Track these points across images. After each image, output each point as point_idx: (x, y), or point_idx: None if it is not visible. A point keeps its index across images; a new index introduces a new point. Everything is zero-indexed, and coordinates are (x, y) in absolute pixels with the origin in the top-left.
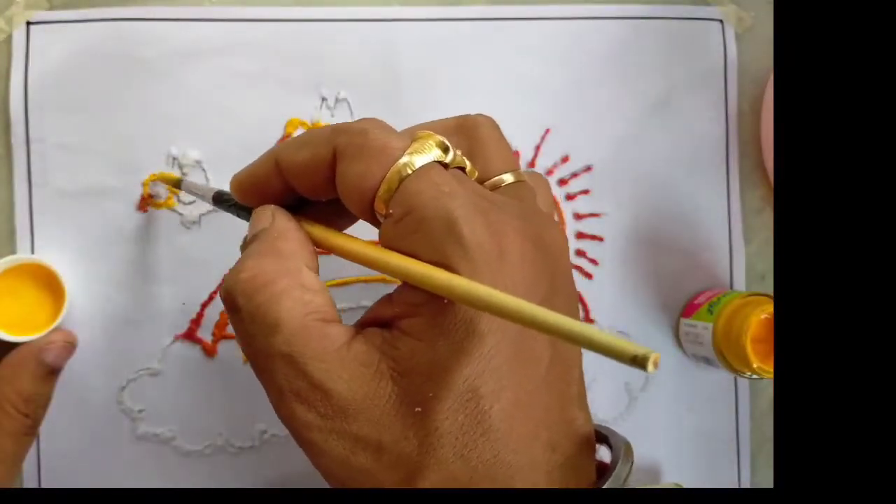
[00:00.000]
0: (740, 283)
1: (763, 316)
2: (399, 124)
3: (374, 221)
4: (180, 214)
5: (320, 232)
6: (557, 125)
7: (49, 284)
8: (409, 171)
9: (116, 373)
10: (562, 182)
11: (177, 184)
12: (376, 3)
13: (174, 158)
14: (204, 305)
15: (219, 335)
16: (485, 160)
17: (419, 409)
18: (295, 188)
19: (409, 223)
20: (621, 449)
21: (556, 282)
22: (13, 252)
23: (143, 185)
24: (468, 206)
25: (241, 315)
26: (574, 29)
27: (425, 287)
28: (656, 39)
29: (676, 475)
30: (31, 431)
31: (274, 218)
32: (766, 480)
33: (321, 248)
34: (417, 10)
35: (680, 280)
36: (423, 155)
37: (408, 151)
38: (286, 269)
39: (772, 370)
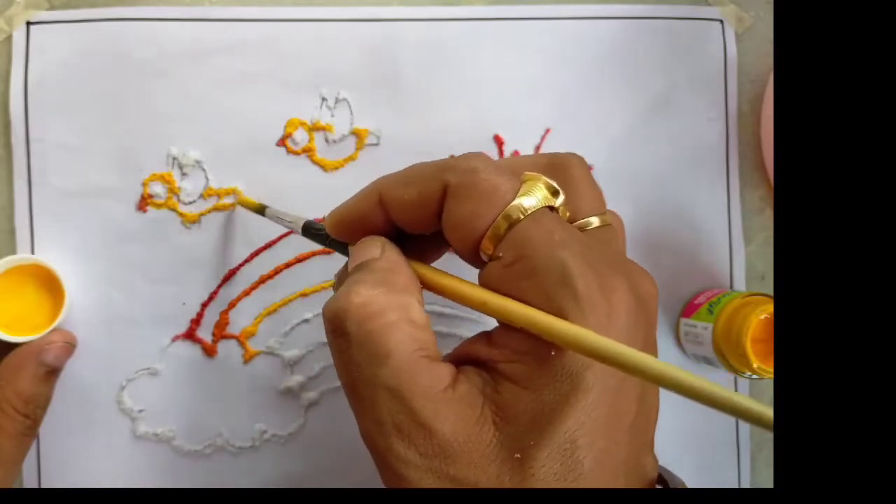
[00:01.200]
0: (740, 283)
1: (763, 316)
2: (399, 124)
3: (477, 261)
4: (180, 214)
5: (429, 272)
6: (558, 125)
7: (49, 285)
8: (521, 215)
9: (116, 373)
10: None
11: (260, 210)
12: (376, 3)
13: (174, 158)
14: (204, 305)
15: (219, 335)
16: (575, 201)
17: (518, 456)
18: (398, 223)
19: (519, 269)
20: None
21: (649, 337)
22: (13, 251)
23: (144, 184)
24: (579, 257)
25: (349, 340)
26: (574, 29)
27: (557, 340)
28: (656, 39)
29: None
30: (30, 432)
31: (384, 250)
32: (766, 480)
33: (427, 287)
34: (417, 10)
35: (680, 280)
36: (533, 197)
37: (519, 193)
38: (398, 302)
39: (772, 370)
